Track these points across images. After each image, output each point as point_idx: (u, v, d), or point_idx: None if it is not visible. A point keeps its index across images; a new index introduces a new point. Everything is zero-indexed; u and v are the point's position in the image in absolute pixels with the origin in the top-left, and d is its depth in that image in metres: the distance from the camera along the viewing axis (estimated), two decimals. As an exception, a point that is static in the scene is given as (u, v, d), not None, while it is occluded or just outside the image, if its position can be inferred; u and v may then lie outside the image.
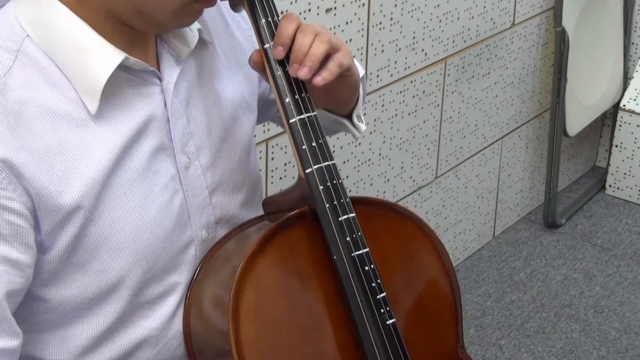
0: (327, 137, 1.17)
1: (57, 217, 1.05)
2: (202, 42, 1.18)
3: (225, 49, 1.24)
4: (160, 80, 1.13)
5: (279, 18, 1.14)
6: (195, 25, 1.15)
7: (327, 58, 1.14)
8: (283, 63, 1.14)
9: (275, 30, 1.13)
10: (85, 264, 1.08)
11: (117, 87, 1.08)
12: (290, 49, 1.12)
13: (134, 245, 1.10)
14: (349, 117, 1.31)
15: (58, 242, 1.06)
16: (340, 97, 1.24)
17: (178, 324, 1.18)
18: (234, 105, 1.23)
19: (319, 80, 1.12)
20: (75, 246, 1.07)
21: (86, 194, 1.05)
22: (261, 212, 1.28)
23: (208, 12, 1.13)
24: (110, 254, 1.09)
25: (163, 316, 1.17)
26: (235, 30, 1.27)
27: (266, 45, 1.14)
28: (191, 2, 1.06)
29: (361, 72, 1.36)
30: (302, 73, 1.11)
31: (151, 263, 1.13)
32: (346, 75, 1.18)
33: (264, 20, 1.13)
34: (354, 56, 1.25)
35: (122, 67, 1.07)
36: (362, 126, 1.32)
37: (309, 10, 2.05)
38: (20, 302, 1.08)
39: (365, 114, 2.36)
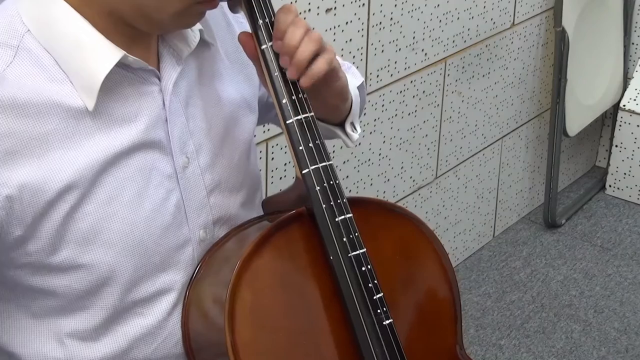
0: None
1: (42, 202, 1.04)
2: (203, 43, 1.18)
3: (227, 49, 1.25)
4: (159, 79, 1.13)
5: None
6: (197, 25, 1.15)
7: (315, 58, 1.14)
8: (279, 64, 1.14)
9: (273, 28, 1.13)
10: (77, 257, 1.08)
11: (115, 85, 1.08)
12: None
13: (126, 240, 1.10)
14: (342, 125, 1.31)
15: (42, 230, 1.06)
16: (328, 103, 1.24)
17: (174, 322, 1.18)
18: (234, 106, 1.23)
19: (306, 80, 1.13)
20: (65, 238, 1.07)
21: (75, 185, 1.05)
22: (261, 213, 1.28)
23: (210, 13, 1.14)
24: (102, 248, 1.09)
25: (159, 314, 1.17)
26: (237, 31, 1.27)
27: (263, 46, 1.14)
28: (193, 4, 1.06)
29: (359, 80, 1.36)
30: (290, 74, 1.12)
31: (144, 259, 1.13)
32: (332, 81, 1.18)
33: (261, 22, 1.13)
34: (340, 56, 1.25)
35: (121, 64, 1.07)
36: (355, 136, 1.31)
37: (309, 10, 2.05)
38: (18, 283, 1.09)
39: (365, 114, 2.36)
